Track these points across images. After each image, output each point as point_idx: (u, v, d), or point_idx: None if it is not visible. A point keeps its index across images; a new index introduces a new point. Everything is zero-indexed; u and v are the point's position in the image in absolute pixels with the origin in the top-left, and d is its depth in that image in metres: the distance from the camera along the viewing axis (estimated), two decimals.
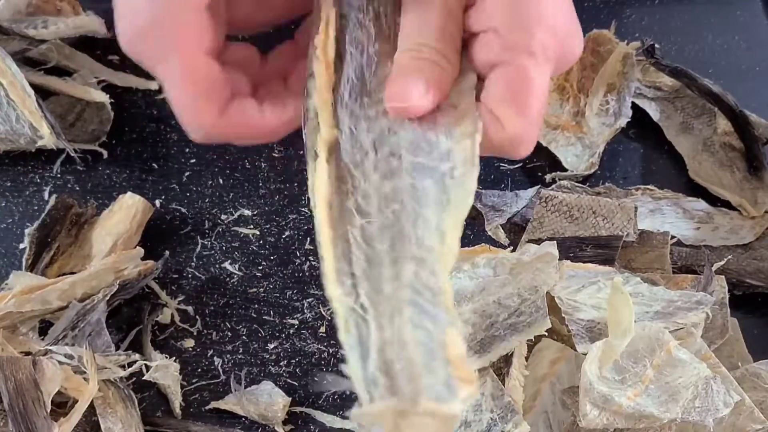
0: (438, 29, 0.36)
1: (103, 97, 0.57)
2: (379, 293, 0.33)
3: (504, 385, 0.44)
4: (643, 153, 0.60)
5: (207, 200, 0.57)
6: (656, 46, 0.59)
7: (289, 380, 0.50)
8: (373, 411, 0.29)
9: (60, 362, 0.45)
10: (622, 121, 0.58)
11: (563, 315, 0.45)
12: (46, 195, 0.56)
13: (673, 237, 0.53)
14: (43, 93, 0.56)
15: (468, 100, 0.36)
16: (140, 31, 0.37)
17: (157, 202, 0.56)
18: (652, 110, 0.60)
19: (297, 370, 0.50)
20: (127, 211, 0.53)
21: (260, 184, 0.57)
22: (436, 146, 0.35)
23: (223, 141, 0.39)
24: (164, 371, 0.48)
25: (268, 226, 0.56)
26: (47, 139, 0.54)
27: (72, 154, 0.56)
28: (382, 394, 0.30)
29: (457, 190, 0.34)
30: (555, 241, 0.47)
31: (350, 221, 0.34)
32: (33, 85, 0.55)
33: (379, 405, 0.29)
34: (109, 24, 0.61)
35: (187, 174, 0.58)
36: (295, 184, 0.57)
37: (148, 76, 0.61)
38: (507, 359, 0.45)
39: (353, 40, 0.37)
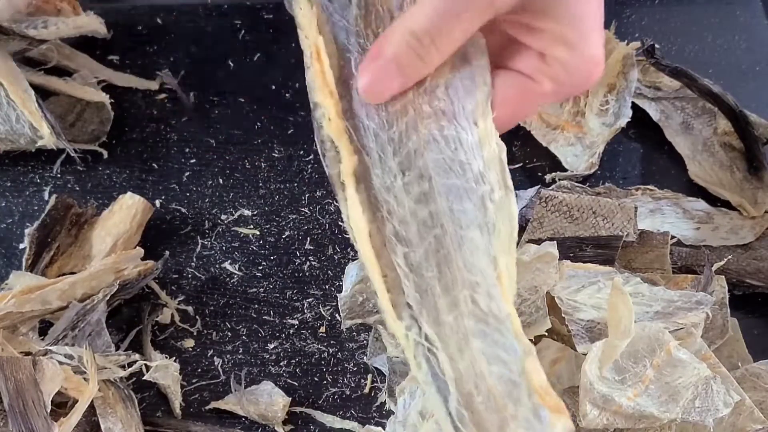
0: (448, 21, 0.35)
1: (103, 97, 0.57)
2: (440, 324, 0.32)
3: None
4: (643, 153, 0.60)
5: (207, 200, 0.57)
6: (656, 46, 0.59)
7: (289, 380, 0.50)
8: None
9: (60, 362, 0.45)
10: (622, 122, 0.58)
11: (563, 315, 0.45)
12: (46, 195, 0.56)
13: (673, 237, 0.53)
14: (42, 93, 0.56)
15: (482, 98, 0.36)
16: None
17: (157, 202, 0.56)
18: (652, 110, 0.60)
19: (297, 370, 0.50)
20: (127, 211, 0.53)
21: (260, 184, 0.57)
22: (468, 167, 0.35)
23: None
24: (164, 371, 0.48)
25: (268, 226, 0.56)
26: (47, 139, 0.54)
27: (72, 154, 0.56)
28: (470, 429, 0.30)
29: (501, 212, 0.34)
30: (555, 241, 0.47)
31: (393, 250, 0.33)
32: (33, 86, 0.55)
33: None
34: (109, 24, 0.62)
35: (187, 174, 0.58)
36: (295, 184, 0.57)
37: (148, 76, 0.61)
38: None
39: (356, 63, 0.36)
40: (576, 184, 0.56)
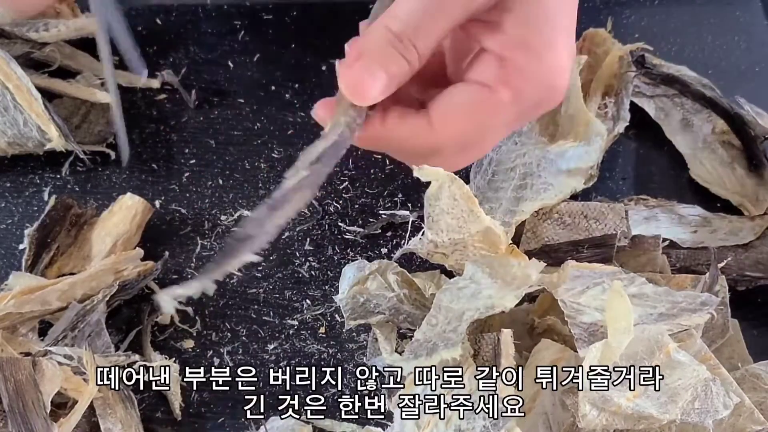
0: (427, 18, 0.34)
1: (108, 98, 0.57)
2: None
3: (496, 386, 0.43)
4: (643, 153, 0.60)
5: (207, 201, 0.57)
6: (650, 48, 0.59)
7: (288, 381, 0.50)
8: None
9: (60, 363, 0.45)
10: (621, 126, 0.57)
11: (566, 318, 0.45)
12: (45, 195, 0.56)
13: (668, 240, 0.52)
14: (46, 96, 0.56)
15: None
16: None
17: (157, 203, 0.56)
18: (651, 108, 0.60)
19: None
20: (126, 212, 0.53)
21: (260, 185, 0.57)
22: None
23: None
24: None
25: None
26: (56, 141, 0.54)
27: (81, 156, 0.56)
28: None
29: None
30: (550, 248, 0.47)
31: None
32: (38, 88, 0.54)
33: None
34: None
35: (186, 175, 0.58)
36: None
37: (150, 74, 0.61)
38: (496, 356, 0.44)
39: None
40: None
